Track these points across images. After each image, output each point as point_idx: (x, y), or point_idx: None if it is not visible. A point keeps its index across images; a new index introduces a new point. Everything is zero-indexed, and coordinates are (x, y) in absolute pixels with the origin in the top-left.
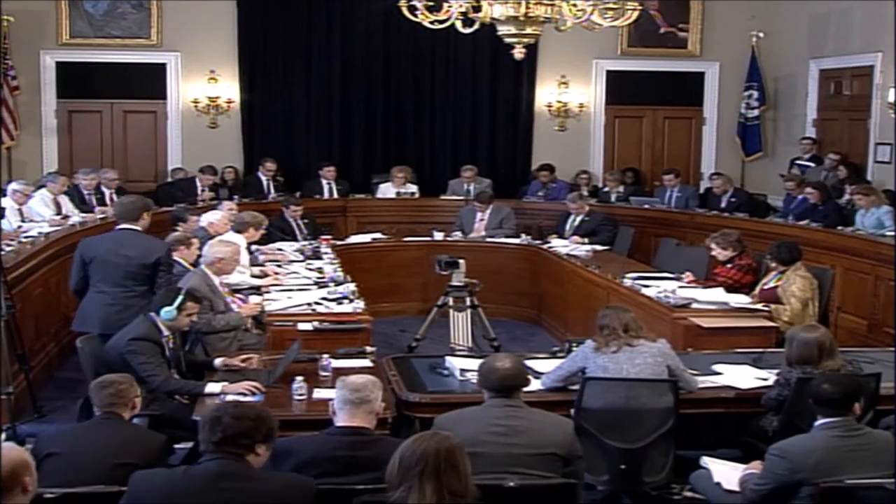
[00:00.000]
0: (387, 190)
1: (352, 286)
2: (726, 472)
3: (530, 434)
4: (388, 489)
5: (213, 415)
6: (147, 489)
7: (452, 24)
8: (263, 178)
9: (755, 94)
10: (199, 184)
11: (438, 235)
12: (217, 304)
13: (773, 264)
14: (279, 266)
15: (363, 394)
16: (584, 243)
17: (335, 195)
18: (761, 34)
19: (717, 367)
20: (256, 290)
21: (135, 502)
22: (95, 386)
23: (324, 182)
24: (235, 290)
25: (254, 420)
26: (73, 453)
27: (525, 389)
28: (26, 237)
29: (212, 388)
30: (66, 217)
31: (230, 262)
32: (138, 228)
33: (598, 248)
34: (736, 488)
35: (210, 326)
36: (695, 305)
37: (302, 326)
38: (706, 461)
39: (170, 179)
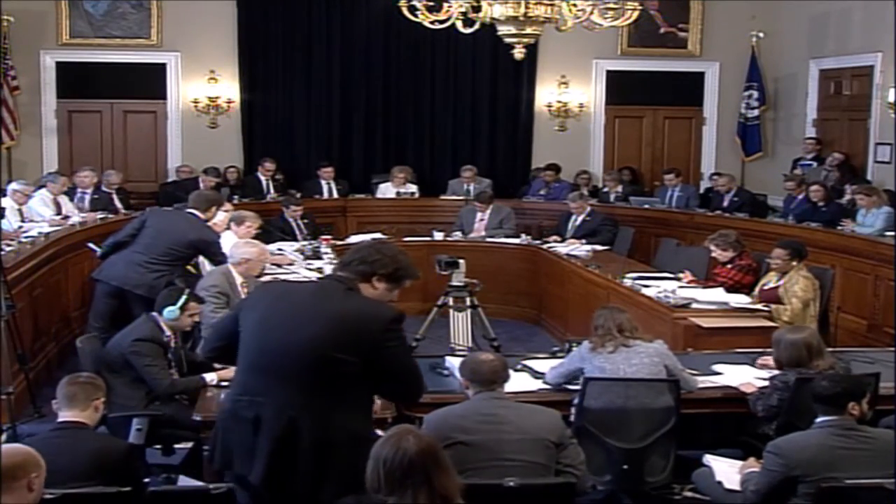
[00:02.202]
0: (387, 190)
1: None
2: (728, 471)
3: (520, 421)
4: (370, 492)
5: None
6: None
7: (452, 24)
8: (263, 179)
9: (755, 94)
10: (201, 185)
11: (438, 235)
12: (234, 303)
13: (779, 263)
14: (279, 266)
15: None
16: (582, 244)
17: (334, 195)
18: (761, 34)
19: (717, 367)
20: None
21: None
22: (63, 381)
23: (322, 182)
24: None
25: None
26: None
27: (525, 389)
28: (26, 237)
29: (210, 377)
30: (66, 217)
31: (257, 263)
32: (202, 216)
33: (598, 248)
34: (737, 487)
35: None
36: (695, 305)
37: None
38: (708, 459)
39: (174, 177)
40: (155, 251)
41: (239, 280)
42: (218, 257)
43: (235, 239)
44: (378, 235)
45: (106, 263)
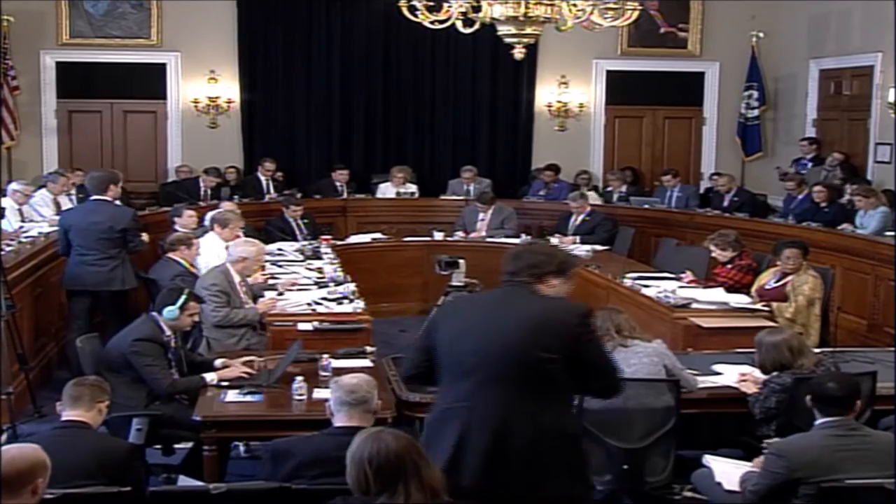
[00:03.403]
0: (386, 190)
1: (352, 286)
2: (727, 472)
3: None
4: (356, 493)
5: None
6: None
7: (452, 24)
8: (263, 178)
9: (755, 94)
10: (202, 185)
11: (438, 235)
12: (234, 301)
13: (794, 263)
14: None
15: (359, 394)
16: (576, 240)
17: (345, 196)
18: (761, 34)
19: (717, 367)
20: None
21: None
22: (70, 383)
23: (337, 184)
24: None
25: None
26: None
27: None
28: (26, 237)
29: (210, 377)
30: None
31: (254, 262)
32: (108, 199)
33: (598, 248)
34: (737, 488)
35: (227, 319)
36: (695, 305)
37: (302, 326)
38: (708, 460)
39: (173, 177)
40: (92, 248)
41: (237, 279)
42: (133, 238)
43: (218, 240)
44: (378, 235)
45: (66, 273)
